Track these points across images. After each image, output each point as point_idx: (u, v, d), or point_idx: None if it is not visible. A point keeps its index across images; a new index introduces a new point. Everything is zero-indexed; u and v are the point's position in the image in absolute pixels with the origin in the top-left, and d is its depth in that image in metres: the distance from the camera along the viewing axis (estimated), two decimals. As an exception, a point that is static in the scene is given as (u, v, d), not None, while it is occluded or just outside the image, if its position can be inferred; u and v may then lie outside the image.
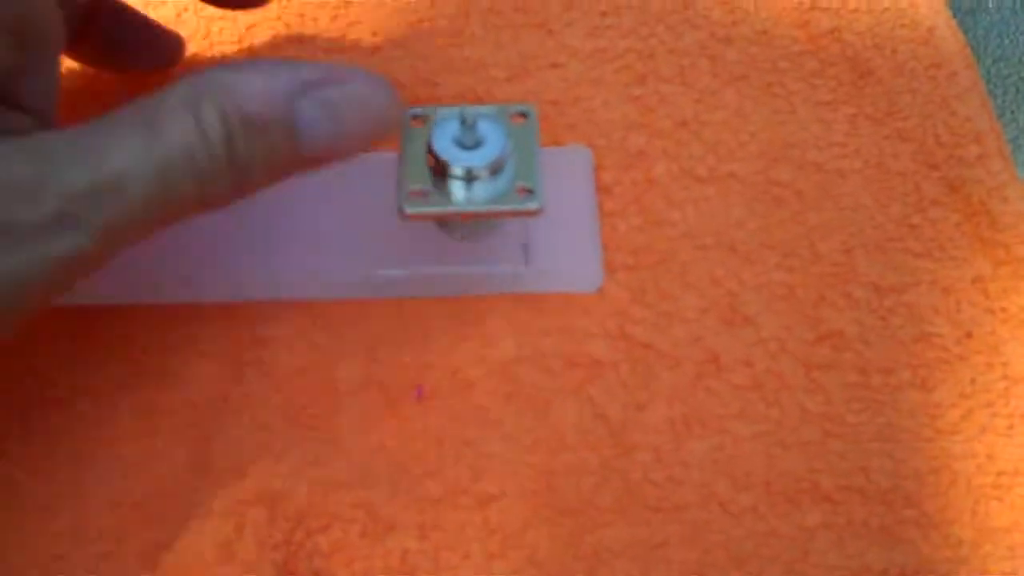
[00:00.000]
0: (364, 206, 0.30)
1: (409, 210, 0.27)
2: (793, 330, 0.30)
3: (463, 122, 0.27)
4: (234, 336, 0.29)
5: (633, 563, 0.26)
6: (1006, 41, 0.35)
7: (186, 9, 0.35)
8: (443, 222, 0.29)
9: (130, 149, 0.22)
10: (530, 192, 0.27)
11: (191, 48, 0.34)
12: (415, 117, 0.28)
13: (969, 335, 0.30)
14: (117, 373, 0.28)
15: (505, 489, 0.27)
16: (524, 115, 0.28)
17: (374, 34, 0.34)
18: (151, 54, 0.33)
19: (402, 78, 0.33)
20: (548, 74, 0.33)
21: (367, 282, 0.30)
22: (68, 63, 0.33)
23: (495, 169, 0.27)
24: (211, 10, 0.34)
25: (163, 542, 0.26)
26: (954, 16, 0.35)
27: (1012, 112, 0.33)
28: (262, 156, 0.23)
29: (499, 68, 0.33)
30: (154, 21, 0.32)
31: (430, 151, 0.27)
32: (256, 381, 0.28)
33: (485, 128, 0.28)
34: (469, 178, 0.27)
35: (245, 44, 0.34)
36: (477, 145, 0.27)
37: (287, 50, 0.34)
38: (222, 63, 0.30)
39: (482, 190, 0.27)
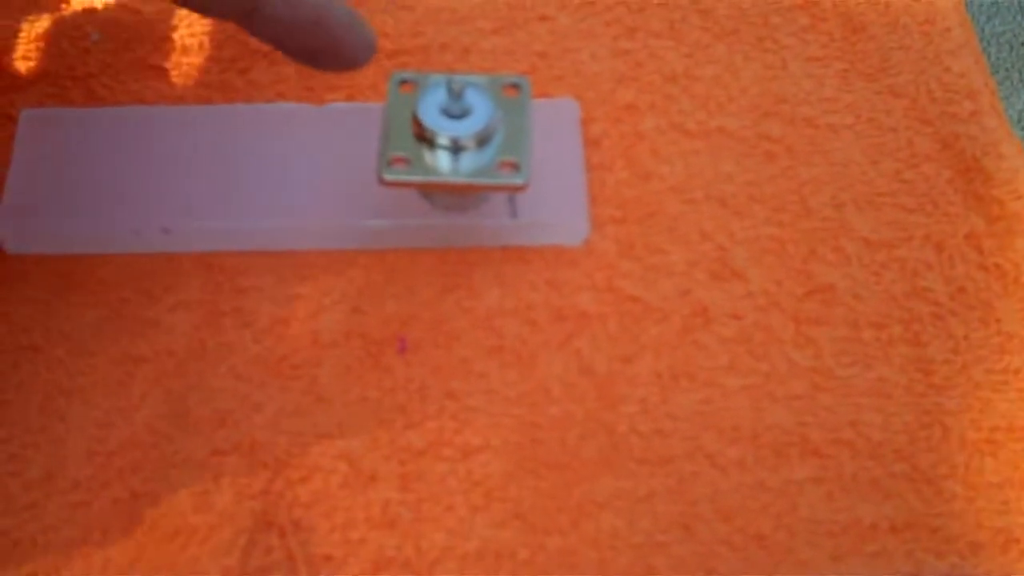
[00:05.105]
0: (349, 156, 0.29)
1: (388, 176, 0.27)
2: (783, 284, 0.29)
3: (450, 91, 0.26)
4: (213, 285, 0.28)
5: (618, 516, 0.26)
6: (1001, -3, 0.34)
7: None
8: (426, 192, 0.29)
9: None
10: (515, 167, 0.27)
11: None
12: (404, 82, 0.28)
13: (962, 291, 0.29)
14: (94, 321, 0.28)
15: (489, 441, 0.27)
16: (517, 87, 0.28)
17: None
18: None
19: (387, 28, 0.32)
20: (536, 26, 0.33)
21: (351, 233, 0.29)
22: None
23: (482, 140, 0.27)
24: None
25: (139, 492, 0.26)
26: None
27: (1006, 68, 0.33)
28: None
29: (487, 19, 0.32)
30: None
31: (415, 118, 0.27)
32: (235, 331, 0.28)
33: (473, 97, 0.27)
34: (455, 148, 0.27)
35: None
36: (464, 115, 0.27)
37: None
38: None
39: (469, 161, 0.27)
